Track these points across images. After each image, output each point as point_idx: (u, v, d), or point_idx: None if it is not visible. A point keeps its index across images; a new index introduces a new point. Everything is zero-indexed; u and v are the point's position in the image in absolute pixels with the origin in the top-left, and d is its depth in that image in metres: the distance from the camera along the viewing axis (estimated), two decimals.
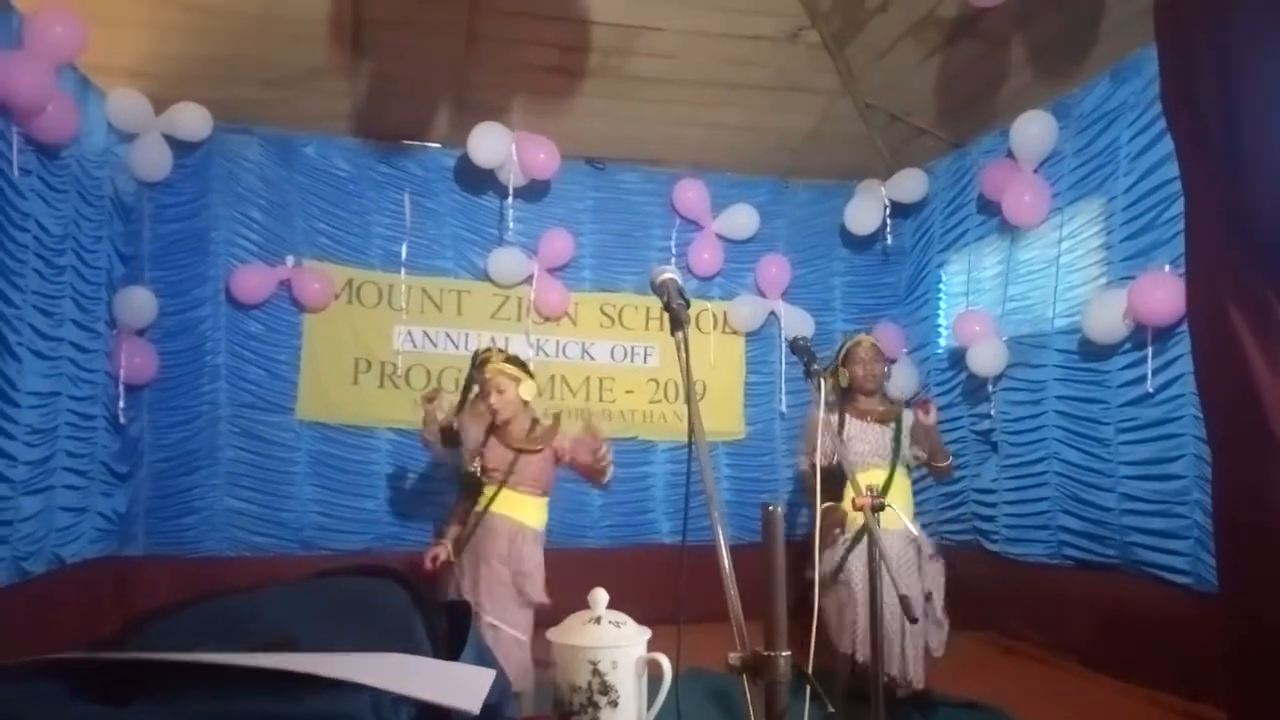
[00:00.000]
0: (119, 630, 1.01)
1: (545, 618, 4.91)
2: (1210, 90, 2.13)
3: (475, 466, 4.02)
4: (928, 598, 4.12)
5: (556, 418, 4.26)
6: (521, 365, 4.20)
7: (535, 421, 4.14)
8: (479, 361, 4.19)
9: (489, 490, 4.00)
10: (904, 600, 2.19)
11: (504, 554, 3.91)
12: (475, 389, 4.23)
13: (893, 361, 6.62)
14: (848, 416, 4.29)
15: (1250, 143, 2.06)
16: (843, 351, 4.44)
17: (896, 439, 4.27)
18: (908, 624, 3.85)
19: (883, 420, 4.31)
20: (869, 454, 4.23)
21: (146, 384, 5.60)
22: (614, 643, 1.13)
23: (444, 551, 3.99)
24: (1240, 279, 2.08)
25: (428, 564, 3.97)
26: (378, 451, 6.09)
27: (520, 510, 4.00)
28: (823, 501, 4.30)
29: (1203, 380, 2.33)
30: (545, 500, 4.12)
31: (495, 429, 4.08)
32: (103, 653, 0.92)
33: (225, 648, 0.94)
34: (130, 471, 5.59)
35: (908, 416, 4.36)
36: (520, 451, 4.00)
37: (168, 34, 5.04)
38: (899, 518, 3.95)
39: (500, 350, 4.33)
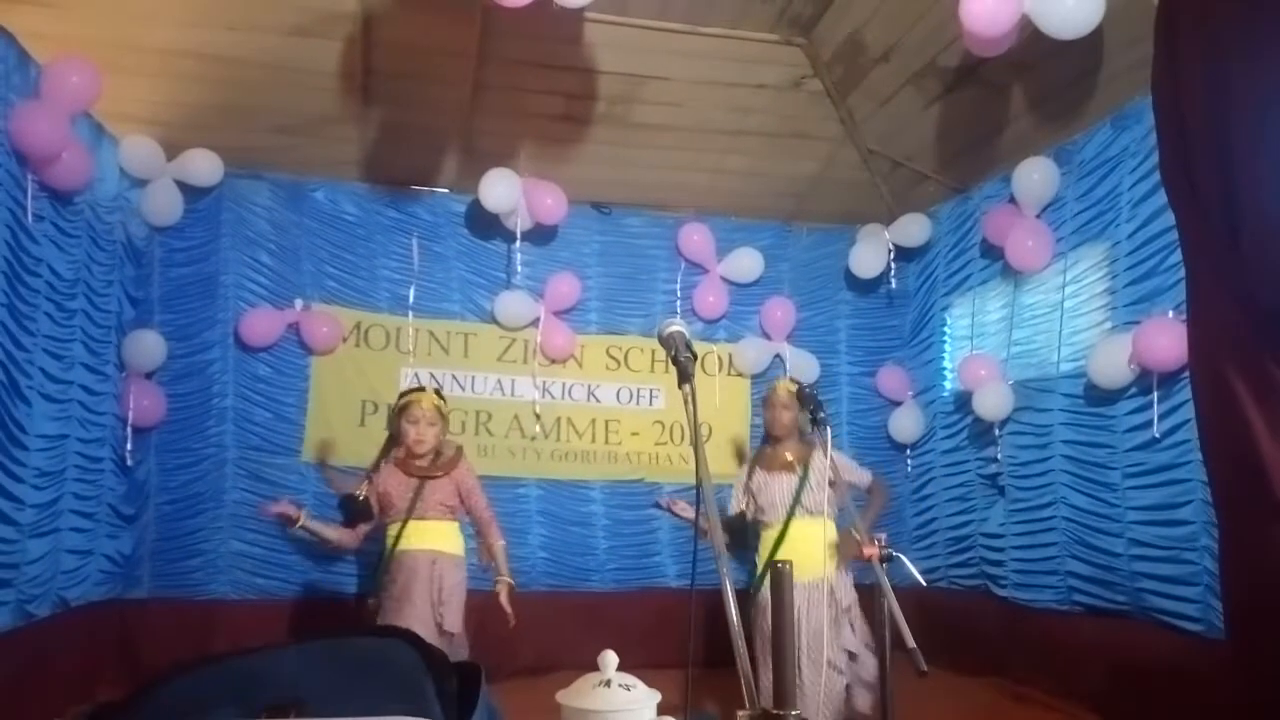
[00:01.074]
0: (131, 692, 1.02)
1: (551, 663, 4.90)
2: (1207, 158, 2.16)
3: (362, 492, 3.89)
4: (851, 657, 3.91)
5: (459, 449, 4.18)
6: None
7: (438, 453, 4.08)
8: (405, 397, 4.15)
9: (392, 530, 3.91)
10: (913, 653, 2.17)
11: (424, 588, 3.80)
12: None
13: (897, 403, 6.64)
14: (756, 468, 4.16)
15: (1249, 211, 2.08)
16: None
17: (799, 488, 4.06)
18: (822, 675, 3.72)
19: (788, 469, 4.11)
20: (775, 506, 4.07)
21: (154, 426, 5.62)
22: (624, 707, 1.13)
23: (289, 511, 3.91)
24: (1242, 349, 2.10)
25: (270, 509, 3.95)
26: None
27: (434, 538, 3.90)
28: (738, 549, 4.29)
29: (1207, 446, 2.33)
30: (457, 525, 4.02)
31: (395, 458, 4.01)
32: (117, 717, 0.92)
33: (237, 711, 0.95)
34: (136, 514, 5.59)
35: (817, 459, 4.09)
36: (424, 478, 3.92)
37: (181, 82, 5.13)
38: (811, 568, 3.81)
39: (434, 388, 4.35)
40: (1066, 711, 4.98)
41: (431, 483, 3.92)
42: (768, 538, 4.05)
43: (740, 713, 1.25)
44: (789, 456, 4.15)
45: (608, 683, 1.16)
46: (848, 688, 3.87)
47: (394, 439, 4.16)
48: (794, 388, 4.19)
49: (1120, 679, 4.72)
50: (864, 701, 3.90)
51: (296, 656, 1.04)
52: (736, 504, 4.22)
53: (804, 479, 4.06)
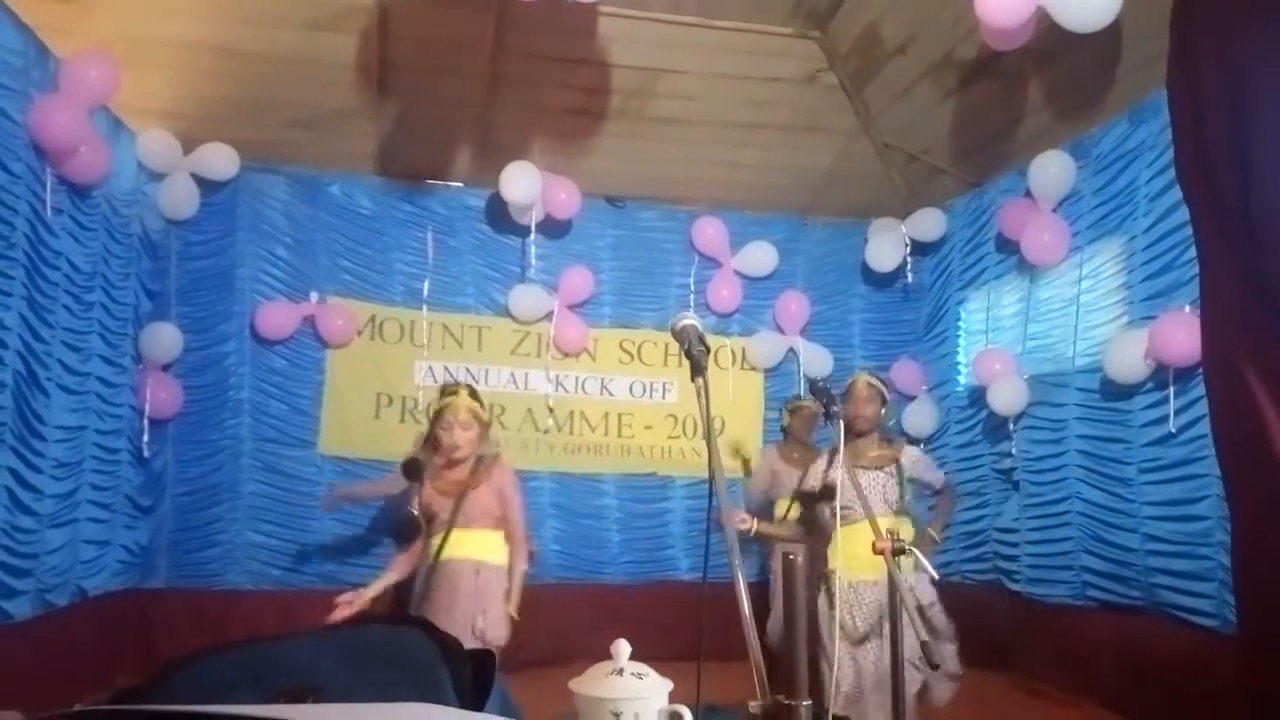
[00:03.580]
0: (152, 676, 1.03)
1: (564, 655, 4.91)
2: (1223, 154, 2.14)
3: (415, 507, 3.60)
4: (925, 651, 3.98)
5: (497, 455, 3.83)
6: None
7: (479, 459, 3.73)
8: (445, 394, 3.80)
9: (434, 540, 3.61)
10: (925, 646, 2.17)
11: (468, 601, 3.54)
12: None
13: (911, 397, 6.62)
14: (834, 460, 3.90)
15: (1265, 208, 2.07)
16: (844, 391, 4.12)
17: (901, 484, 3.95)
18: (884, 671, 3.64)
19: (877, 465, 3.99)
20: (874, 502, 3.83)
21: (170, 418, 5.67)
22: (636, 694, 1.14)
23: (356, 601, 3.46)
24: (1256, 344, 2.08)
25: (336, 615, 3.36)
26: None
27: (478, 548, 3.63)
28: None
29: (1220, 441, 2.32)
30: (501, 535, 3.70)
31: (434, 465, 3.73)
32: (137, 702, 0.94)
33: (254, 696, 0.96)
34: (153, 505, 5.64)
35: (906, 457, 4.05)
36: (463, 491, 3.62)
37: (198, 76, 5.16)
38: (883, 565, 3.83)
39: (469, 386, 3.94)
40: (1079, 706, 4.97)
41: (472, 494, 3.63)
42: (849, 534, 3.94)
43: (752, 703, 1.25)
44: (874, 451, 4.03)
45: (620, 671, 1.17)
46: (924, 683, 3.87)
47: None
48: (872, 379, 4.11)
49: (1134, 674, 4.70)
50: (942, 692, 3.89)
51: (313, 644, 1.05)
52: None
53: (901, 476, 3.96)
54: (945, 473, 4.34)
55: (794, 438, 5.59)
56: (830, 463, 4.00)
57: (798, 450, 5.47)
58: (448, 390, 3.80)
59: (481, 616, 3.54)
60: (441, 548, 3.58)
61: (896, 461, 4.03)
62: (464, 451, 3.66)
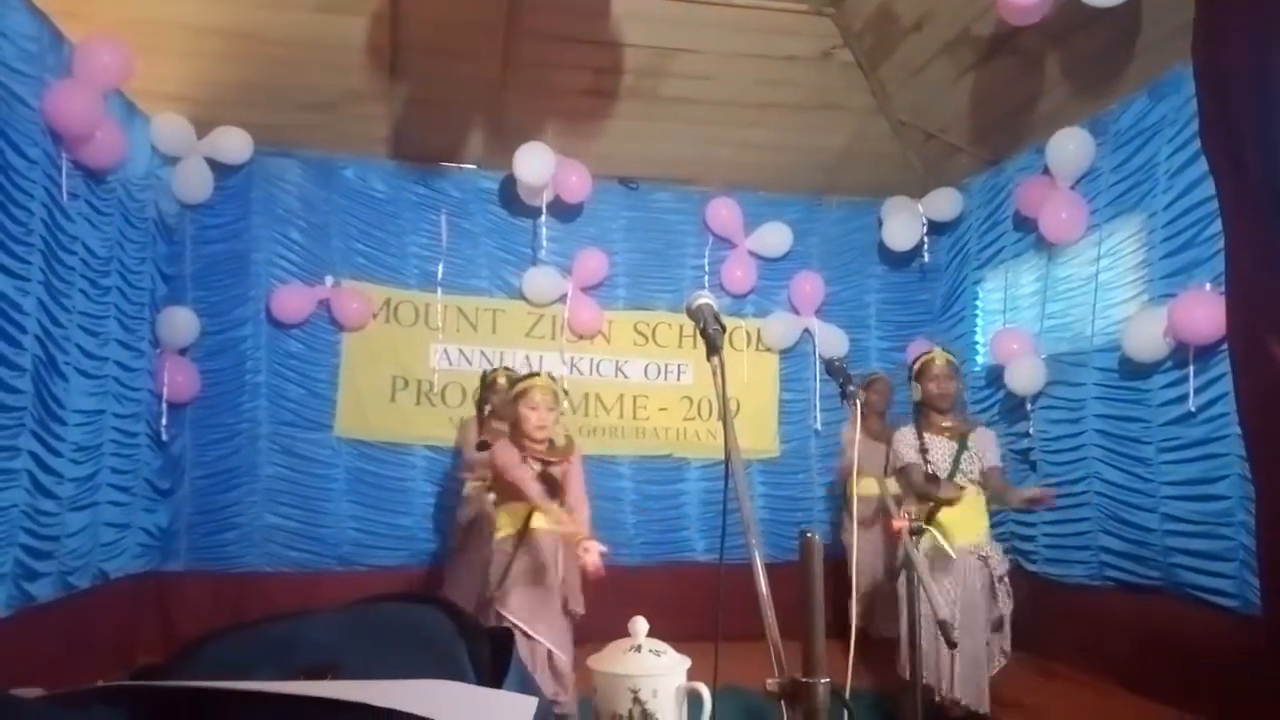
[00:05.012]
0: (173, 654, 1.03)
1: (580, 636, 4.94)
2: (1249, 125, 2.10)
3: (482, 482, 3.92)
4: (997, 625, 4.05)
5: (568, 437, 4.13)
6: None
7: (552, 440, 4.01)
8: (523, 382, 4.00)
9: (516, 511, 3.85)
10: (942, 625, 2.16)
11: (553, 570, 3.81)
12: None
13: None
14: (924, 433, 4.16)
15: None
16: (915, 366, 4.30)
17: (957, 456, 4.11)
18: (967, 645, 3.80)
19: (953, 436, 4.16)
20: (942, 471, 4.10)
21: (188, 402, 5.70)
22: (654, 671, 1.14)
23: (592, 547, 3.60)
24: None
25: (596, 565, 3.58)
26: (414, 468, 6.15)
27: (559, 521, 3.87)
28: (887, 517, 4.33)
29: (1246, 420, 2.29)
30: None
31: (509, 437, 3.97)
32: (157, 679, 0.94)
33: (274, 673, 0.96)
34: (172, 488, 5.69)
35: (980, 435, 4.25)
36: (546, 464, 3.89)
37: (210, 60, 5.16)
38: (969, 536, 3.97)
39: (548, 373, 4.21)
40: (1097, 686, 4.95)
41: (552, 468, 3.91)
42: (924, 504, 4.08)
43: (769, 680, 1.25)
44: (949, 424, 4.18)
45: (638, 648, 1.17)
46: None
47: (487, 417, 4.46)
48: (950, 357, 4.28)
49: (1152, 654, 4.68)
50: (994, 668, 4.06)
51: (331, 622, 1.05)
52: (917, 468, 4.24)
53: (961, 449, 4.10)
54: (1003, 456, 4.45)
55: (872, 411, 5.63)
56: (918, 433, 4.15)
57: (876, 423, 5.60)
58: (530, 374, 4.05)
59: (566, 586, 3.83)
60: (528, 519, 3.83)
61: (964, 436, 4.15)
62: (547, 431, 3.93)
